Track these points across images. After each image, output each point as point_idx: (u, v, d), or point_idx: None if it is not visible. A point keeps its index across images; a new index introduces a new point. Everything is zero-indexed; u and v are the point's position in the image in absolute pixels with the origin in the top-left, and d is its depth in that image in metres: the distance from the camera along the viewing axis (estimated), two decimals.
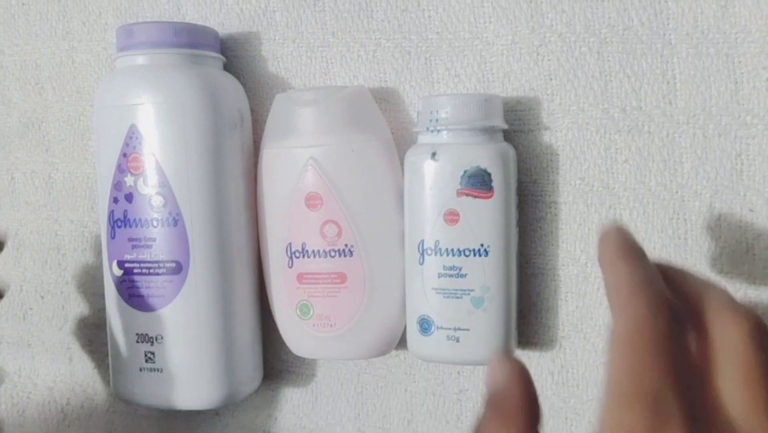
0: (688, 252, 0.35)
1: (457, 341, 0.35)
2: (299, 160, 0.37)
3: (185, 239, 0.37)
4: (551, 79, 0.35)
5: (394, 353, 0.41)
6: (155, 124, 0.37)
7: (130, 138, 0.37)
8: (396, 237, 0.37)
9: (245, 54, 0.41)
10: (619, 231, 0.26)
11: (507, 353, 0.25)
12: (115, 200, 0.38)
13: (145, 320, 0.38)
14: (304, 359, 0.43)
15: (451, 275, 0.35)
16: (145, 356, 0.38)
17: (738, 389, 0.22)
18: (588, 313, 0.37)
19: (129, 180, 0.37)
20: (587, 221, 0.36)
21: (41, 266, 0.46)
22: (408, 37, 0.38)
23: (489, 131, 0.35)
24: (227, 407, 0.44)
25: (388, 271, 0.38)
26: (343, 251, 0.37)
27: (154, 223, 0.37)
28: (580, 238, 0.37)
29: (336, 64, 0.39)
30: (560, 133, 0.36)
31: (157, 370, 0.38)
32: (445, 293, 0.35)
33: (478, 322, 0.35)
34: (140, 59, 0.38)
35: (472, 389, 0.40)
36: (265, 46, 0.41)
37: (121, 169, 0.37)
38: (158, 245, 0.37)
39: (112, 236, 0.38)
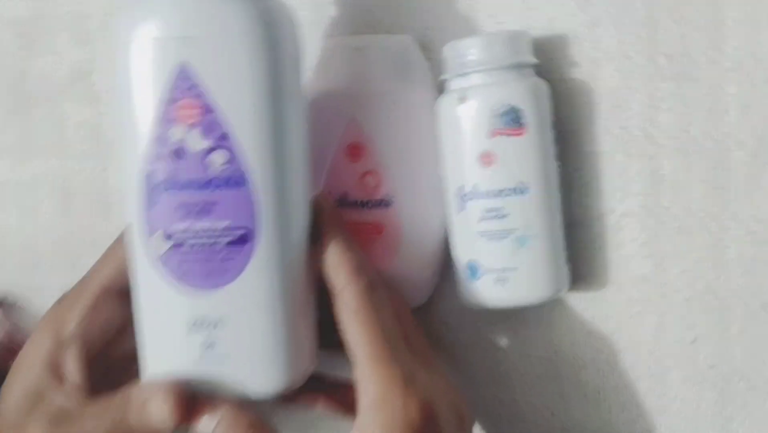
0: (730, 202, 0.35)
1: (505, 282, 0.36)
2: (343, 109, 0.37)
3: (252, 202, 0.31)
4: (596, 26, 0.35)
5: (429, 302, 0.41)
6: (214, 62, 0.30)
7: (180, 80, 0.30)
8: (435, 188, 0.38)
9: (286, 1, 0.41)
10: (330, 206, 0.34)
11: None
12: (157, 157, 0.31)
13: (204, 300, 0.31)
14: None
15: (492, 217, 0.35)
16: (204, 344, 0.32)
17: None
18: (623, 264, 0.37)
19: (177, 132, 0.30)
20: (627, 171, 0.36)
21: (90, 216, 0.47)
22: None
23: (517, 68, 0.35)
24: None
25: (424, 222, 0.38)
26: (381, 202, 0.37)
27: (215, 183, 0.31)
28: (618, 188, 0.37)
29: (377, 11, 0.40)
30: (603, 81, 0.36)
31: (222, 358, 0.32)
32: (489, 235, 0.36)
33: (525, 260, 0.35)
34: None
35: (504, 339, 0.41)
36: None
37: (165, 120, 0.30)
38: (220, 210, 0.31)
39: (153, 202, 0.31)
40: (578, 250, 0.38)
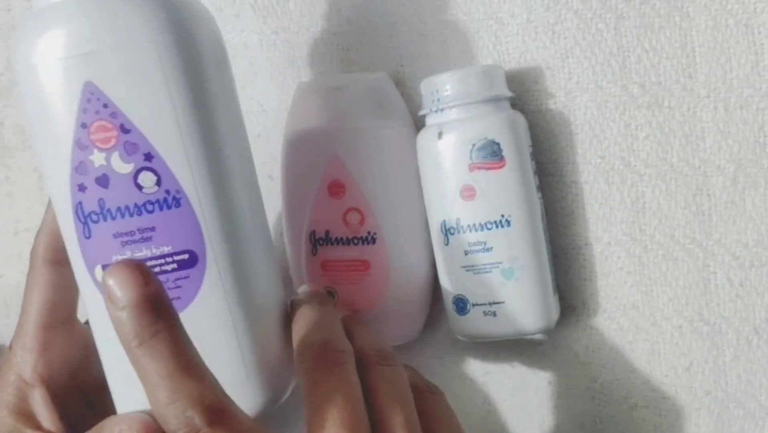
0: (713, 228, 0.34)
1: (494, 315, 0.35)
2: (322, 147, 0.37)
3: (194, 221, 0.28)
4: (568, 57, 0.35)
5: (421, 337, 0.41)
6: (122, 77, 0.27)
7: (88, 101, 0.27)
8: (419, 222, 0.38)
9: (260, 43, 0.41)
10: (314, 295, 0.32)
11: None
12: (81, 188, 0.28)
13: None
14: None
15: (476, 251, 0.35)
16: None
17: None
18: (612, 292, 0.37)
19: (97, 158, 0.28)
20: (609, 200, 0.36)
21: None
22: (423, 19, 0.38)
23: (493, 102, 0.35)
24: None
25: (411, 257, 0.38)
26: (366, 238, 0.37)
27: (148, 207, 0.28)
28: (601, 217, 0.36)
29: (352, 50, 0.40)
30: (579, 111, 0.35)
31: None
32: (474, 270, 0.35)
33: (512, 293, 0.35)
34: None
35: (497, 371, 0.40)
36: (281, 35, 0.41)
37: (81, 145, 0.28)
38: (160, 235, 0.28)
39: (87, 234, 0.29)
40: (567, 280, 0.38)
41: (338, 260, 0.38)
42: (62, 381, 0.34)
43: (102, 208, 0.28)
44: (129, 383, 0.30)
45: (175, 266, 0.29)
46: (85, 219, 0.29)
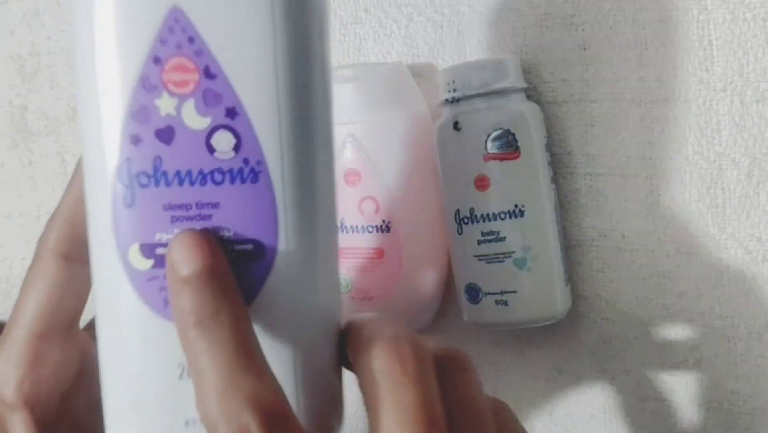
0: (726, 221, 0.34)
1: (506, 304, 0.36)
2: (338, 136, 0.37)
3: (271, 204, 0.22)
4: (585, 49, 0.35)
5: (433, 325, 0.41)
6: (222, 9, 0.21)
7: (169, 31, 0.21)
8: (434, 212, 0.38)
9: None
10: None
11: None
12: (135, 140, 0.22)
13: None
14: None
15: (490, 240, 0.35)
16: None
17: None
18: (624, 285, 0.37)
19: (165, 104, 0.21)
20: (622, 193, 0.36)
21: None
22: (440, 10, 0.38)
23: (508, 93, 0.35)
24: None
25: (425, 246, 0.38)
26: (381, 226, 0.38)
27: (217, 177, 0.22)
28: (615, 210, 0.36)
29: (369, 40, 0.40)
30: (595, 103, 0.36)
31: None
32: (487, 259, 0.36)
33: (524, 283, 0.35)
34: None
35: (508, 360, 0.41)
36: None
37: (148, 85, 0.21)
38: (223, 214, 0.22)
39: (128, 202, 0.22)
40: (579, 271, 0.38)
41: (353, 248, 0.38)
42: (50, 403, 0.27)
43: (156, 169, 0.22)
44: (127, 406, 0.24)
45: (235, 255, 0.22)
46: (130, 181, 0.22)
